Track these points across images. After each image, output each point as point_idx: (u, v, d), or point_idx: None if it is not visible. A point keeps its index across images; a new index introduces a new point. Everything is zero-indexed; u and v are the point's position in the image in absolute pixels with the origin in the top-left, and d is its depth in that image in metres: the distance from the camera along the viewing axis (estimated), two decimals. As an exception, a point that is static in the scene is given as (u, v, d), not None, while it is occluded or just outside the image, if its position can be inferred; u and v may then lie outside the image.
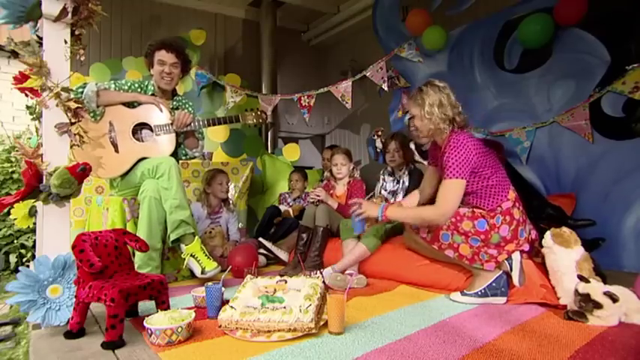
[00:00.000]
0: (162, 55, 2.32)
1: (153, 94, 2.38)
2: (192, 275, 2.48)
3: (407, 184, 2.70)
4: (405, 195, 2.59)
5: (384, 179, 2.92)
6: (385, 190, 2.73)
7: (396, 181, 2.83)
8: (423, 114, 1.90)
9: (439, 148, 1.98)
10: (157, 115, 2.29)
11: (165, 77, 2.34)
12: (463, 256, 1.88)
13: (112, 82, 2.32)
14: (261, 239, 2.98)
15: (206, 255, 2.14)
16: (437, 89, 1.90)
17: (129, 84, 2.34)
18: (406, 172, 2.72)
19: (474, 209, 1.88)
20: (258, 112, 2.57)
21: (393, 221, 2.13)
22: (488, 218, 1.85)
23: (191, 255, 2.12)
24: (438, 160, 1.99)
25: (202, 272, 2.08)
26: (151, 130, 2.29)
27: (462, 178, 1.81)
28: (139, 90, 2.36)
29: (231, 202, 3.16)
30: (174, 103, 2.48)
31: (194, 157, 2.62)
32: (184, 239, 2.15)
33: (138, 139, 2.27)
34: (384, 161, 3.00)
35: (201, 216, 2.91)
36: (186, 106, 2.55)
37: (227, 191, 3.03)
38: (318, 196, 2.75)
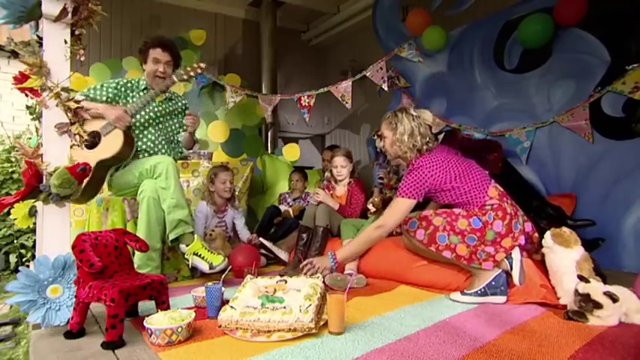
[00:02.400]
0: (157, 53, 2.34)
1: (145, 89, 2.41)
2: (193, 275, 2.49)
3: None
4: None
5: (379, 165, 2.88)
6: (380, 180, 2.69)
7: (397, 178, 2.81)
8: (394, 140, 2.03)
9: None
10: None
11: (160, 75, 2.37)
12: (460, 256, 1.88)
13: (101, 84, 2.32)
14: (261, 239, 2.98)
15: (209, 251, 2.14)
16: (411, 118, 2.01)
17: (113, 85, 2.33)
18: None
19: (467, 209, 1.93)
20: (195, 66, 2.35)
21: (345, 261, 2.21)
22: (480, 216, 1.88)
23: (194, 254, 2.12)
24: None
25: (211, 267, 2.07)
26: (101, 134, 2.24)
27: (412, 198, 1.92)
28: (129, 85, 2.38)
29: (236, 200, 3.13)
30: (168, 94, 2.52)
31: (187, 157, 2.63)
32: (183, 239, 2.15)
33: (93, 146, 2.20)
34: (385, 161, 2.99)
35: (208, 215, 2.90)
36: (179, 99, 2.61)
37: (231, 190, 2.97)
38: (317, 195, 2.75)
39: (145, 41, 2.39)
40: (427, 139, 1.99)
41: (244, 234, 3.06)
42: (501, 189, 1.97)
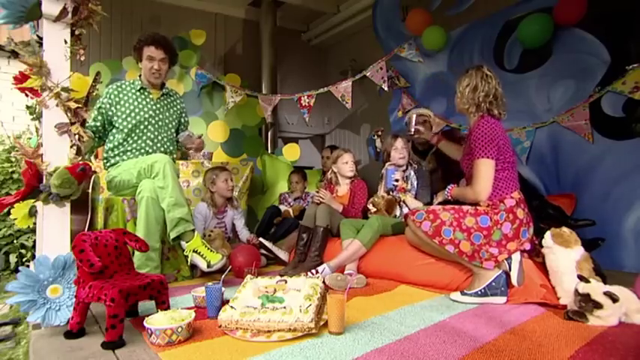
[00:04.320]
0: (151, 51, 2.36)
1: (142, 88, 2.43)
2: (193, 275, 2.49)
3: (415, 184, 2.68)
4: (416, 195, 2.61)
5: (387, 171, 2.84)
6: (396, 182, 2.67)
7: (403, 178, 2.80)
8: (458, 92, 2.08)
9: (469, 134, 2.09)
10: None
11: (155, 72, 2.40)
12: (463, 252, 1.89)
13: (97, 107, 2.35)
14: (261, 239, 2.98)
15: (209, 248, 2.14)
16: (480, 75, 2.00)
17: (97, 107, 2.34)
18: (412, 172, 2.69)
19: (477, 207, 1.94)
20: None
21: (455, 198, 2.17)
22: (491, 214, 1.89)
23: (194, 251, 2.12)
24: (467, 142, 2.12)
25: (208, 266, 2.08)
26: None
27: (489, 157, 1.89)
28: (120, 89, 2.40)
29: (235, 199, 3.14)
30: (165, 90, 2.54)
31: (187, 157, 2.62)
32: (184, 236, 2.15)
33: None
34: (385, 161, 2.98)
35: (207, 216, 2.91)
36: (176, 96, 2.63)
37: (232, 189, 3.00)
38: (321, 198, 2.76)
39: (138, 39, 2.39)
40: (490, 98, 1.97)
41: (244, 234, 3.06)
42: (522, 195, 1.98)
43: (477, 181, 1.92)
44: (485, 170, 1.90)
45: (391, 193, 2.65)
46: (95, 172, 1.87)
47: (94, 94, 2.09)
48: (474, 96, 1.98)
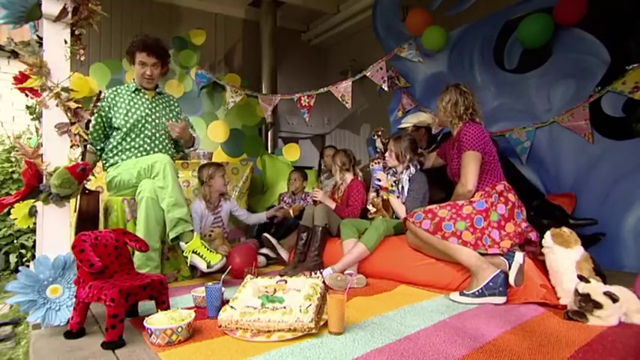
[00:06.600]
0: (143, 57, 2.38)
1: (136, 89, 2.45)
2: (193, 275, 2.49)
3: (406, 188, 2.63)
4: (404, 201, 2.56)
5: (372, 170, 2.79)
6: (378, 181, 2.65)
7: (395, 180, 2.76)
8: (440, 107, 2.28)
9: (452, 142, 2.27)
10: None
11: (147, 78, 2.43)
12: (467, 242, 1.93)
13: (96, 114, 2.32)
14: (266, 235, 2.98)
15: (208, 249, 2.14)
16: (458, 92, 2.22)
17: (94, 118, 2.32)
18: (406, 177, 2.64)
19: (471, 198, 2.06)
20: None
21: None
22: (486, 198, 2.01)
23: (193, 252, 2.12)
24: (448, 151, 2.34)
25: (208, 266, 2.08)
26: None
27: (476, 150, 2.05)
28: (115, 93, 2.41)
29: (226, 192, 3.15)
30: (158, 89, 2.56)
31: (186, 157, 2.65)
32: (183, 237, 2.15)
33: None
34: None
35: (203, 213, 2.91)
36: (170, 97, 2.65)
37: (227, 184, 3.06)
38: (315, 196, 2.77)
39: (131, 43, 2.40)
40: (470, 110, 2.18)
41: (255, 217, 3.20)
42: (509, 186, 2.11)
43: (463, 174, 2.07)
44: (471, 162, 2.05)
45: (378, 192, 2.66)
46: (99, 191, 1.89)
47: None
48: (456, 109, 2.19)
